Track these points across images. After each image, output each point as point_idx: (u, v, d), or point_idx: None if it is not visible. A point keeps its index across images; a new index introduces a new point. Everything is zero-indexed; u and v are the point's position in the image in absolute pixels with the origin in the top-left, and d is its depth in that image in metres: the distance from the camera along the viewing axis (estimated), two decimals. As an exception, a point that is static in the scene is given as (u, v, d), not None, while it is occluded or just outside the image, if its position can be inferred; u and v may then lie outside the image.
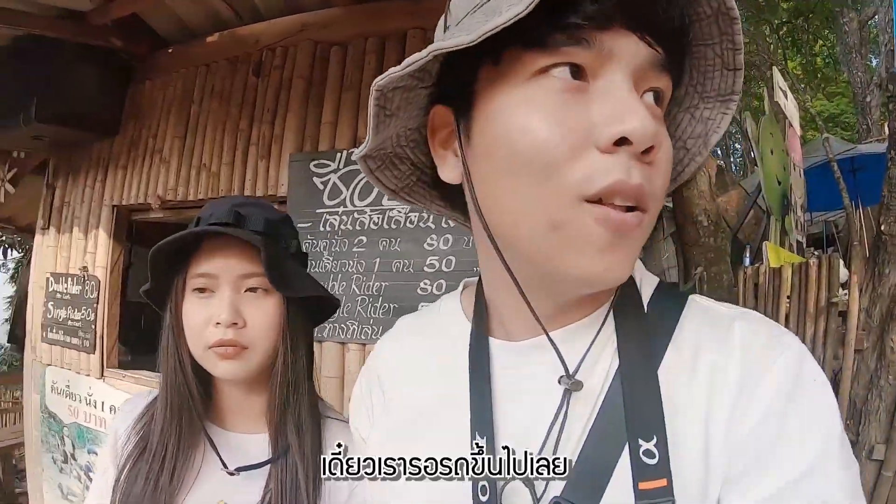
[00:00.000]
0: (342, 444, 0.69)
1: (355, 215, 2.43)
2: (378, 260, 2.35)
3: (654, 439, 0.45)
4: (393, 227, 2.35)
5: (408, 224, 2.31)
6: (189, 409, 0.89)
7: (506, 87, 0.46)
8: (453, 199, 0.62)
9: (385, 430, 0.62)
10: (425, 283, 2.20)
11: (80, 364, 3.35)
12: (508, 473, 0.49)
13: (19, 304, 7.28)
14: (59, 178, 3.74)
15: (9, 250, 9.63)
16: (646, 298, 0.54)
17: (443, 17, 0.55)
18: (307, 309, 0.96)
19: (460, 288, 0.67)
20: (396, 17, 2.49)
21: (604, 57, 0.43)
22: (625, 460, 0.46)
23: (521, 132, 0.44)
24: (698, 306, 0.53)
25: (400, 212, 2.33)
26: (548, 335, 0.50)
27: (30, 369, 3.77)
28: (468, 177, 0.50)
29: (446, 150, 0.54)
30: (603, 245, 0.44)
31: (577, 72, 0.44)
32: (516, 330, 0.54)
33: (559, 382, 0.49)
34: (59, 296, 3.52)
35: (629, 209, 0.43)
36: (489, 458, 0.50)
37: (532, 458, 0.48)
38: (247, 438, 0.93)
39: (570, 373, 0.49)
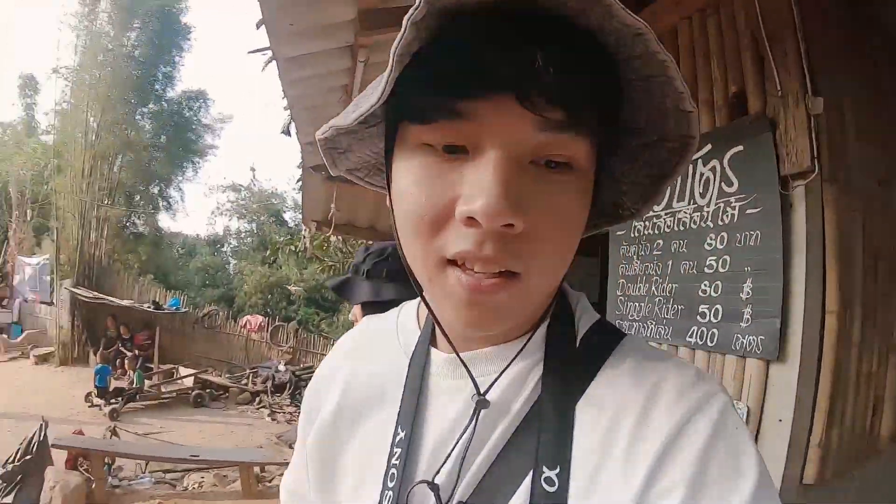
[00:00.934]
0: None
1: (654, 220, 2.53)
2: (671, 262, 2.42)
3: (558, 469, 0.48)
4: (680, 228, 2.38)
5: (691, 225, 2.32)
6: None
7: (401, 153, 0.50)
8: None
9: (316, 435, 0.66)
10: (705, 286, 2.21)
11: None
12: (417, 475, 0.54)
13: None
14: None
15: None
16: (581, 333, 0.57)
17: None
18: None
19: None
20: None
21: (481, 129, 0.44)
22: (528, 482, 0.49)
23: (403, 196, 0.49)
24: (630, 348, 0.55)
25: (685, 213, 2.35)
26: (458, 355, 0.55)
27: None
28: (391, 210, 0.54)
29: None
30: (461, 302, 0.48)
31: (453, 146, 0.46)
32: (453, 342, 0.57)
33: (472, 398, 0.53)
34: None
35: (499, 272, 0.46)
36: (403, 451, 0.55)
37: (442, 467, 0.53)
38: None
39: (482, 391, 0.53)
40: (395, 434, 0.57)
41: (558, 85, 0.42)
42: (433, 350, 0.60)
